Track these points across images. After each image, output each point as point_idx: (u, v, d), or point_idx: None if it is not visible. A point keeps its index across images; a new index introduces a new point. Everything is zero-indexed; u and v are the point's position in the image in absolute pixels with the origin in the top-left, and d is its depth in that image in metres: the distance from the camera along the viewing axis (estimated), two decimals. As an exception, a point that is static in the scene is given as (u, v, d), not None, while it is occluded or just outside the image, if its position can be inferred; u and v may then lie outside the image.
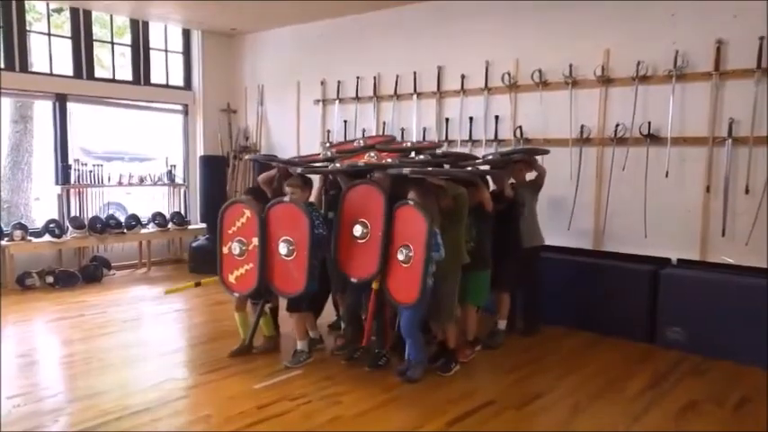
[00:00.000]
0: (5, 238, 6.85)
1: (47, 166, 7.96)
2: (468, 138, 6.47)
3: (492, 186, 4.81)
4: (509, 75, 6.10)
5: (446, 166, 4.86)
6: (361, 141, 5.27)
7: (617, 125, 5.46)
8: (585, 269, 5.45)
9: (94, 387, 3.96)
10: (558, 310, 5.46)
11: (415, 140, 6.67)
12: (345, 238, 4.28)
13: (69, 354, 4.72)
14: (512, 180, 4.97)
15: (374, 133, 7.18)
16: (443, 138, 6.67)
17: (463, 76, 6.50)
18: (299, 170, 4.55)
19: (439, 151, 5.23)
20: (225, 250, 4.38)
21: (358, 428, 3.42)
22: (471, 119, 6.45)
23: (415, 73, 6.88)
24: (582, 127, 5.69)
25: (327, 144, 6.84)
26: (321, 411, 3.63)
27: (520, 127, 6.08)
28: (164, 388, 3.94)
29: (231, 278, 4.39)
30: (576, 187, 5.74)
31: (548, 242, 5.83)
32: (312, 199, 4.68)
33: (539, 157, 5.32)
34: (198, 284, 4.76)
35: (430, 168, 4.33)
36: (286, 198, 4.24)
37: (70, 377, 4.29)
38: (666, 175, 5.18)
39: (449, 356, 4.30)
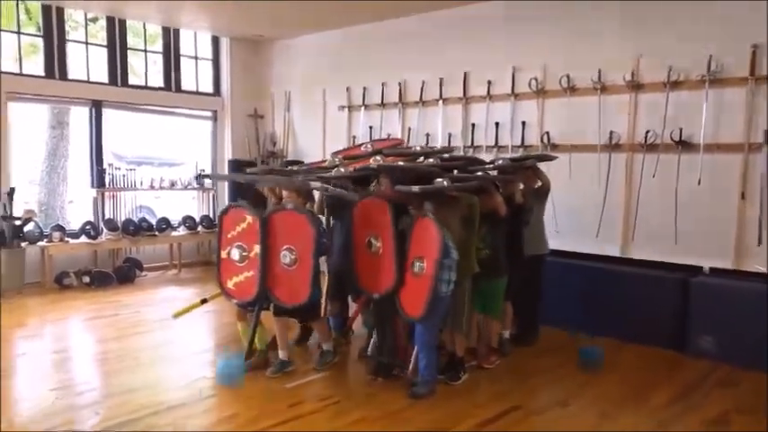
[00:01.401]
0: (45, 239, 7.05)
1: (81, 170, 8.19)
2: (494, 143, 6.49)
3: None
4: (536, 80, 6.11)
5: (454, 171, 4.67)
6: (369, 146, 5.20)
7: (647, 132, 5.43)
8: (613, 276, 5.42)
9: (129, 383, 4.07)
10: (585, 317, 5.41)
11: (439, 145, 6.72)
12: (362, 254, 4.20)
13: (105, 351, 4.85)
14: (521, 186, 4.85)
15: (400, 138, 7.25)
16: (469, 143, 6.70)
17: (489, 82, 6.52)
18: (299, 178, 4.51)
19: (447, 155, 5.11)
20: (223, 255, 4.23)
21: (384, 429, 3.46)
22: (497, 124, 6.47)
23: (440, 79, 6.93)
24: (611, 133, 5.67)
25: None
26: (348, 412, 3.68)
27: (547, 133, 6.07)
28: (196, 386, 4.04)
29: (230, 284, 4.23)
30: (605, 194, 5.71)
31: (575, 248, 5.86)
32: (315, 205, 4.66)
33: (545, 165, 5.22)
34: (204, 301, 4.58)
35: (439, 184, 4.01)
36: (289, 205, 4.15)
37: (106, 373, 4.42)
38: (699, 183, 5.13)
39: (457, 365, 4.23)
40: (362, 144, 5.57)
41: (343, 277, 4.52)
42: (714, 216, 5.13)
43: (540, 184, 5.05)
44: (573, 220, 5.88)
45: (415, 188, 3.91)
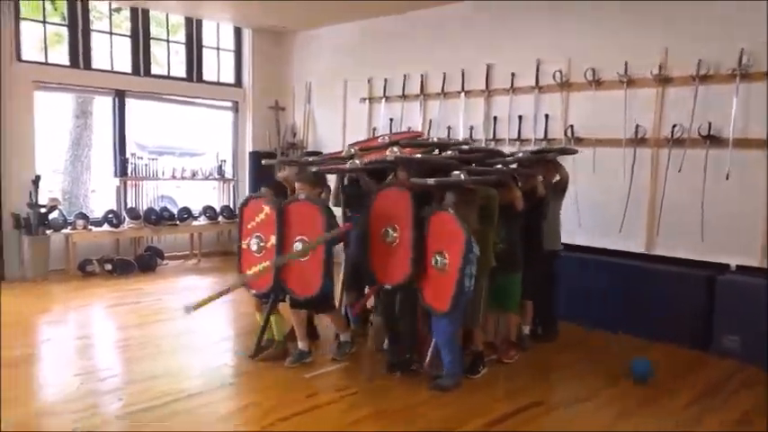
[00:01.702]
0: (69, 227, 7.14)
1: (104, 160, 8.27)
2: (516, 136, 6.42)
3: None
4: (561, 73, 6.03)
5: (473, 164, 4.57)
6: (387, 138, 5.16)
7: (674, 126, 5.33)
8: (636, 273, 5.34)
9: (151, 370, 4.12)
10: (607, 314, 5.36)
11: (461, 138, 6.67)
12: (377, 244, 4.15)
13: (127, 338, 4.90)
14: (540, 179, 4.75)
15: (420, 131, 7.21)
16: (491, 136, 6.64)
17: (513, 75, 6.45)
18: (313, 168, 4.46)
19: (466, 147, 5.04)
20: (243, 245, 4.27)
21: (402, 422, 3.45)
22: (520, 117, 6.40)
23: (462, 71, 6.86)
24: (636, 127, 5.57)
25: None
26: (366, 404, 3.67)
27: (571, 126, 5.99)
28: (216, 374, 4.07)
29: (249, 274, 4.25)
30: (629, 189, 5.62)
31: (596, 244, 5.79)
32: (330, 197, 4.63)
33: (569, 159, 5.18)
34: (222, 293, 4.63)
35: (456, 176, 3.95)
36: (302, 195, 4.15)
37: (128, 360, 4.47)
38: (727, 178, 5.02)
39: (476, 359, 4.21)
40: (380, 136, 5.50)
41: (360, 269, 4.49)
42: (742, 212, 5.02)
43: (558, 178, 4.98)
44: (596, 215, 5.81)
45: (431, 181, 3.87)
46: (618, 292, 5.32)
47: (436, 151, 4.80)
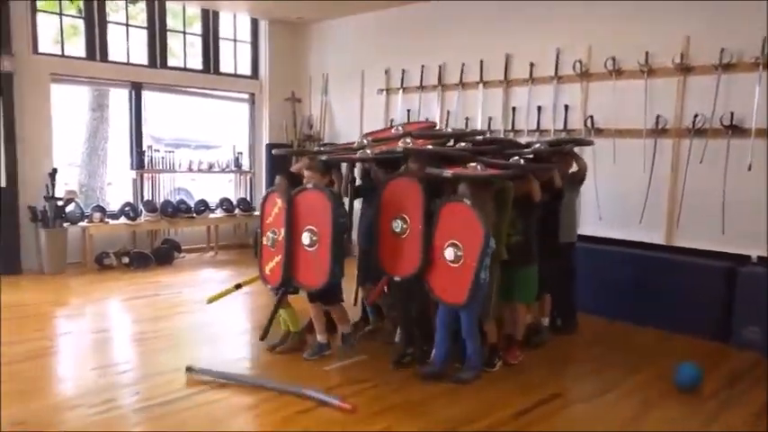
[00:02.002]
0: (85, 220, 7.19)
1: (120, 152, 8.31)
2: (535, 127, 6.35)
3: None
4: (580, 63, 5.95)
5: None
6: (400, 128, 5.08)
7: (695, 116, 5.25)
8: (656, 264, 5.28)
9: (169, 363, 4.11)
10: (626, 306, 5.32)
11: (478, 129, 6.61)
12: (386, 235, 4.07)
13: (145, 331, 4.92)
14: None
15: (438, 124, 7.15)
16: (510, 127, 6.58)
17: (532, 65, 6.38)
18: (323, 157, 4.39)
19: (480, 138, 4.93)
20: (264, 241, 4.22)
21: (423, 415, 3.44)
22: (539, 108, 6.33)
23: (481, 61, 6.80)
24: (657, 117, 5.49)
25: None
26: (389, 395, 3.66)
27: (591, 117, 5.92)
28: (235, 367, 4.06)
29: (267, 270, 4.22)
30: (650, 180, 5.55)
31: (617, 235, 5.73)
32: (340, 187, 4.55)
33: (589, 151, 5.14)
34: (239, 286, 4.57)
35: (473, 168, 3.88)
36: (309, 185, 4.07)
37: (145, 353, 4.49)
38: (749, 168, 4.94)
39: (492, 351, 4.15)
40: (394, 126, 5.42)
41: (370, 260, 4.39)
42: (763, 204, 4.93)
43: (576, 169, 4.92)
44: (616, 207, 5.75)
45: (448, 172, 3.78)
46: (638, 284, 5.27)
47: (450, 142, 4.72)
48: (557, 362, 4.43)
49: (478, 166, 3.83)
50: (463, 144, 4.50)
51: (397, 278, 4.05)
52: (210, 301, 4.54)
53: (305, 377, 3.88)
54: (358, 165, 4.69)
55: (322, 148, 4.89)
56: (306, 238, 3.97)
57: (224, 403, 3.55)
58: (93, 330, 5.02)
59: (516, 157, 4.30)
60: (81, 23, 7.38)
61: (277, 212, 4.12)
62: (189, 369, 3.87)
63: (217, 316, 5.17)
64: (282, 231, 4.06)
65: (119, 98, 8.23)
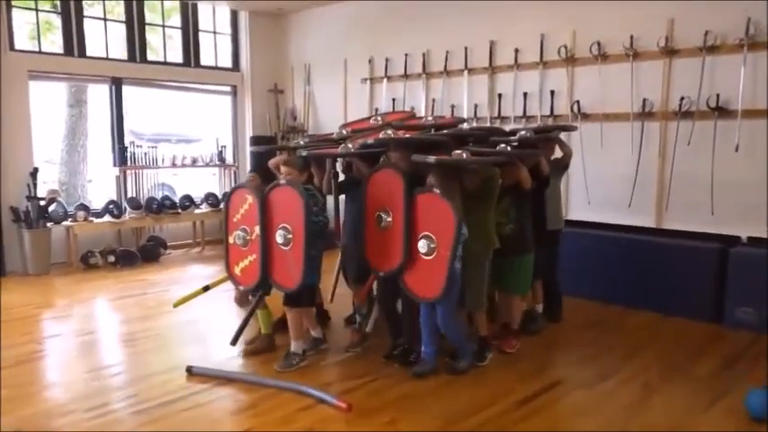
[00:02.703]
0: (69, 219, 7.05)
1: (100, 149, 8.15)
2: (522, 114, 6.34)
3: None
4: (566, 48, 5.94)
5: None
6: (379, 118, 4.96)
7: (682, 98, 5.26)
8: (648, 247, 5.31)
9: (161, 364, 4.07)
10: (619, 290, 5.36)
11: (465, 116, 6.59)
12: (371, 230, 3.96)
13: (134, 331, 4.83)
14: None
15: (422, 111, 7.13)
16: (496, 114, 6.56)
17: (517, 51, 6.35)
18: (304, 153, 4.22)
19: (465, 126, 4.89)
20: (231, 240, 4.03)
21: (426, 407, 3.42)
22: (525, 94, 6.31)
23: (465, 48, 6.76)
24: (644, 101, 5.51)
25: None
26: (389, 389, 3.64)
27: (577, 102, 5.92)
28: (230, 365, 4.02)
29: (237, 270, 4.04)
30: (638, 163, 5.57)
31: (607, 220, 5.75)
32: (323, 183, 4.33)
33: (574, 135, 5.12)
34: (207, 288, 4.40)
35: (458, 155, 3.76)
36: (282, 180, 3.87)
37: (137, 354, 4.41)
38: (736, 150, 4.97)
39: (482, 345, 4.07)
40: (372, 116, 5.27)
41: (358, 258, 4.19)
42: (752, 184, 4.97)
43: (560, 155, 4.87)
44: (604, 191, 5.78)
45: (431, 158, 3.61)
46: (630, 268, 5.31)
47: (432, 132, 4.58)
48: (554, 348, 4.45)
49: (464, 154, 3.73)
50: (446, 132, 4.39)
51: (381, 273, 3.97)
52: (177, 304, 4.37)
53: (303, 374, 3.84)
54: (340, 159, 4.51)
55: (302, 142, 4.69)
56: (279, 237, 3.79)
57: (222, 402, 3.51)
58: (82, 332, 4.91)
59: (503, 145, 4.22)
60: (54, 18, 7.20)
61: (247, 209, 3.93)
62: (189, 369, 3.83)
63: (204, 314, 5.09)
64: (256, 229, 3.87)
65: (97, 94, 8.08)
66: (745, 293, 4.76)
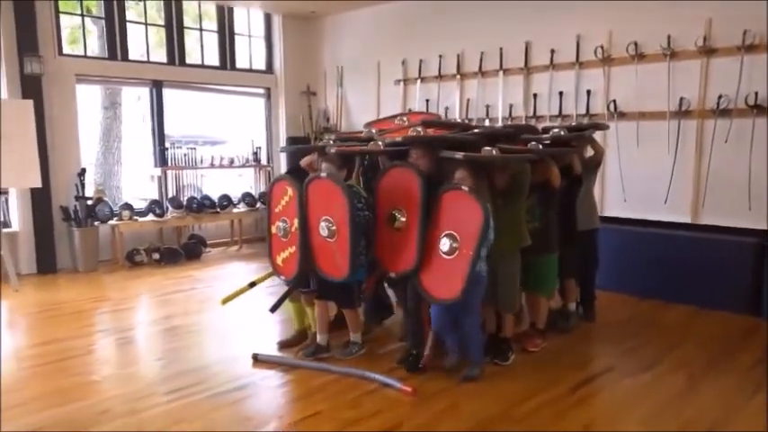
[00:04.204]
0: (115, 218, 7.29)
1: (135, 150, 8.35)
2: (558, 113, 6.47)
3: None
4: (602, 48, 6.07)
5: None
6: (405, 118, 4.94)
7: (719, 97, 5.37)
8: (684, 242, 5.43)
9: (228, 352, 4.30)
10: (656, 284, 5.48)
11: (500, 117, 6.74)
12: (382, 227, 3.90)
13: (192, 323, 5.05)
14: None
15: (456, 111, 7.28)
16: (531, 113, 6.69)
17: (552, 51, 6.48)
18: (332, 150, 4.16)
19: (499, 125, 4.75)
20: (273, 230, 4.06)
21: (487, 390, 3.58)
22: (561, 94, 6.44)
23: (500, 49, 6.90)
24: (681, 100, 5.62)
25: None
26: (446, 376, 3.77)
27: (614, 101, 6.04)
28: (289, 352, 4.22)
29: (279, 260, 4.08)
30: (674, 161, 5.69)
31: (643, 216, 5.87)
32: (352, 180, 4.26)
33: (611, 133, 5.11)
34: (253, 285, 4.37)
35: (488, 152, 3.75)
36: (323, 173, 3.85)
37: (202, 343, 4.63)
38: (774, 146, 5.09)
39: (506, 345, 4.03)
40: (397, 116, 5.26)
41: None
42: (788, 180, 5.09)
43: (591, 153, 4.86)
44: (641, 189, 5.90)
45: (459, 155, 3.59)
46: (667, 262, 5.43)
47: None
48: (597, 341, 4.58)
49: (494, 151, 3.74)
50: (477, 131, 4.36)
51: (392, 274, 3.93)
52: (225, 301, 4.35)
53: (362, 361, 4.00)
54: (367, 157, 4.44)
55: (332, 141, 4.62)
56: (323, 229, 3.80)
57: (290, 387, 3.71)
58: (143, 324, 5.17)
59: (534, 143, 4.20)
60: (89, 23, 7.41)
61: (287, 201, 3.97)
62: (255, 357, 4.01)
63: (256, 306, 5.24)
64: (295, 222, 3.91)
65: (131, 96, 8.28)
66: (784, 286, 4.87)
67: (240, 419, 3.29)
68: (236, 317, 5.10)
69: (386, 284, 4.55)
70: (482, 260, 3.56)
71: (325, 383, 3.70)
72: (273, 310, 4.24)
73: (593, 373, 3.90)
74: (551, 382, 3.70)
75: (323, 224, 3.81)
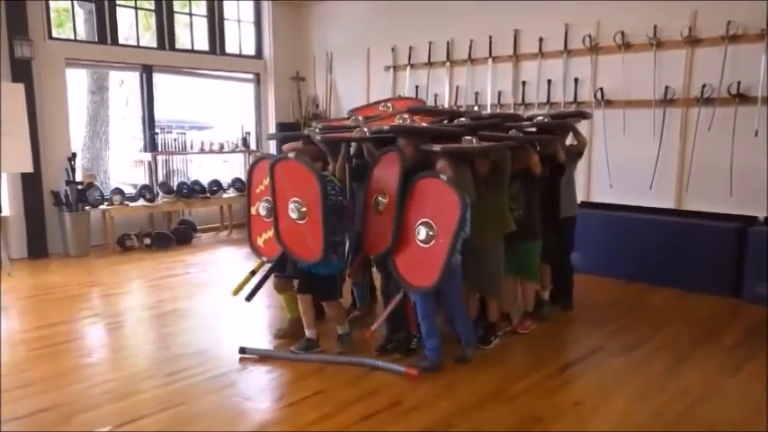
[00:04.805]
0: (106, 203, 7.29)
1: (122, 135, 8.31)
2: (546, 100, 6.59)
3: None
4: (590, 37, 6.18)
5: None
6: (390, 104, 4.87)
7: (704, 86, 5.52)
8: (669, 227, 5.60)
9: (227, 336, 4.37)
10: (640, 268, 5.64)
11: (488, 104, 6.85)
12: (369, 212, 3.93)
13: (188, 307, 5.09)
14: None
15: (446, 98, 7.37)
16: (520, 101, 6.80)
17: (541, 40, 6.59)
18: (317, 137, 4.14)
19: (484, 112, 4.73)
20: (253, 211, 4.01)
21: (482, 370, 3.70)
22: (549, 81, 6.56)
23: (490, 37, 6.99)
24: (666, 88, 5.76)
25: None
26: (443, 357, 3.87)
27: (601, 89, 6.17)
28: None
29: (260, 241, 4.03)
30: (659, 148, 5.84)
31: (628, 202, 6.02)
32: (336, 168, 4.22)
33: (598, 120, 5.16)
34: (253, 273, 4.28)
35: (468, 141, 3.78)
36: (291, 154, 3.81)
37: (199, 327, 4.67)
38: (756, 135, 5.25)
39: (488, 330, 4.09)
40: (381, 102, 5.21)
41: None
42: (775, 167, 5.25)
43: (575, 142, 4.89)
44: (627, 175, 6.06)
45: (437, 147, 3.61)
46: (652, 247, 5.60)
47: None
48: (586, 323, 4.70)
49: (474, 140, 3.77)
50: (463, 119, 4.35)
51: (370, 256, 3.99)
52: (236, 292, 4.26)
53: (357, 349, 4.03)
54: (353, 144, 4.45)
55: (318, 129, 4.50)
56: (293, 211, 3.72)
57: (290, 369, 3.78)
58: (138, 308, 5.21)
59: (514, 131, 4.23)
60: (75, 7, 7.35)
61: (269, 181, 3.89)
62: (242, 350, 3.95)
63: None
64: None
65: (119, 80, 8.22)
66: (763, 270, 5.03)
67: (241, 400, 3.38)
68: (231, 301, 5.12)
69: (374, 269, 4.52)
70: (458, 251, 3.57)
71: (321, 366, 3.79)
72: (249, 298, 4.24)
73: (582, 353, 4.04)
74: (542, 363, 3.84)
75: (292, 206, 3.73)
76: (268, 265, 4.25)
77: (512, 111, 6.66)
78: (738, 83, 5.33)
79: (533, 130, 4.54)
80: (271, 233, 3.91)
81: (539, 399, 3.37)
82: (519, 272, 4.34)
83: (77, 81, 8.74)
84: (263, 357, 3.94)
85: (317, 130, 4.40)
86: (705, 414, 3.19)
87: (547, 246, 4.43)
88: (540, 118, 4.64)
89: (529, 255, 4.29)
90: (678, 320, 4.68)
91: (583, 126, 5.12)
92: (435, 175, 3.59)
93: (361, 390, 3.44)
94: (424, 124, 4.30)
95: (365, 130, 4.17)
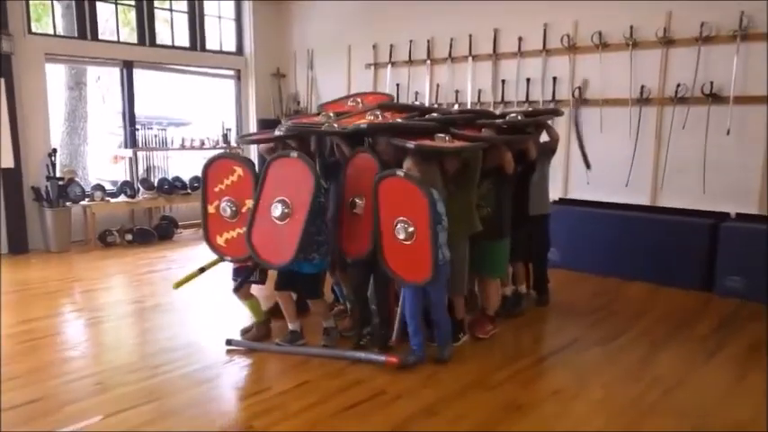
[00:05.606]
0: (86, 199, 7.25)
1: (101, 131, 8.25)
2: (525, 99, 6.71)
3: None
4: (568, 37, 6.31)
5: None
6: (359, 99, 4.77)
7: (678, 85, 5.68)
8: (643, 223, 5.74)
9: (209, 331, 4.41)
10: (615, 263, 5.79)
11: (468, 101, 6.94)
12: (346, 214, 3.91)
13: (170, 302, 5.10)
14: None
15: (426, 96, 7.45)
16: (499, 99, 6.91)
17: (520, 39, 6.70)
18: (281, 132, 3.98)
19: (455, 108, 4.71)
20: (211, 210, 3.89)
21: (463, 361, 3.79)
22: (528, 80, 6.68)
23: (470, 36, 7.09)
24: (642, 87, 5.91)
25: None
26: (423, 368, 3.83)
27: (578, 87, 6.30)
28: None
29: (220, 240, 3.94)
30: (635, 146, 5.99)
31: (605, 198, 6.17)
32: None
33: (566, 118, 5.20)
34: (202, 270, 4.25)
35: (441, 140, 3.77)
36: (293, 153, 3.71)
37: (183, 322, 4.70)
38: (728, 133, 5.41)
39: (456, 327, 4.03)
40: (350, 97, 5.06)
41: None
42: (741, 165, 5.43)
43: (547, 139, 4.85)
44: (603, 172, 6.18)
45: (410, 144, 3.59)
46: (627, 242, 5.74)
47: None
48: (565, 315, 4.82)
49: (446, 137, 3.77)
50: (434, 115, 4.27)
51: (348, 259, 3.99)
52: (177, 286, 4.24)
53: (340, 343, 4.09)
54: (326, 140, 4.33)
55: (284, 126, 4.25)
56: (276, 210, 3.63)
57: (275, 361, 3.84)
58: (121, 303, 5.20)
59: (485, 130, 4.15)
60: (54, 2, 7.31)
61: (235, 181, 3.82)
62: (229, 342, 4.00)
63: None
64: (247, 202, 3.77)
65: (94, 76, 8.15)
66: (734, 264, 5.22)
67: (226, 391, 3.45)
68: (212, 295, 5.18)
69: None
70: (443, 246, 3.57)
71: (305, 358, 3.85)
72: (236, 289, 4.22)
73: (561, 344, 4.15)
74: (522, 354, 3.97)
75: (277, 205, 3.63)
76: (229, 265, 4.19)
77: (491, 109, 6.75)
78: (711, 83, 5.49)
79: (504, 126, 4.38)
80: (235, 233, 3.85)
81: (519, 387, 3.48)
82: (484, 271, 4.26)
83: (55, 77, 8.68)
84: (248, 350, 3.98)
85: (284, 128, 4.19)
86: (679, 400, 3.32)
87: (518, 243, 4.43)
88: (513, 115, 4.56)
89: (496, 254, 4.22)
90: (653, 313, 4.83)
91: (559, 124, 5.20)
92: (392, 173, 3.58)
93: (346, 380, 3.51)
94: (399, 120, 4.18)
95: (335, 126, 4.06)
